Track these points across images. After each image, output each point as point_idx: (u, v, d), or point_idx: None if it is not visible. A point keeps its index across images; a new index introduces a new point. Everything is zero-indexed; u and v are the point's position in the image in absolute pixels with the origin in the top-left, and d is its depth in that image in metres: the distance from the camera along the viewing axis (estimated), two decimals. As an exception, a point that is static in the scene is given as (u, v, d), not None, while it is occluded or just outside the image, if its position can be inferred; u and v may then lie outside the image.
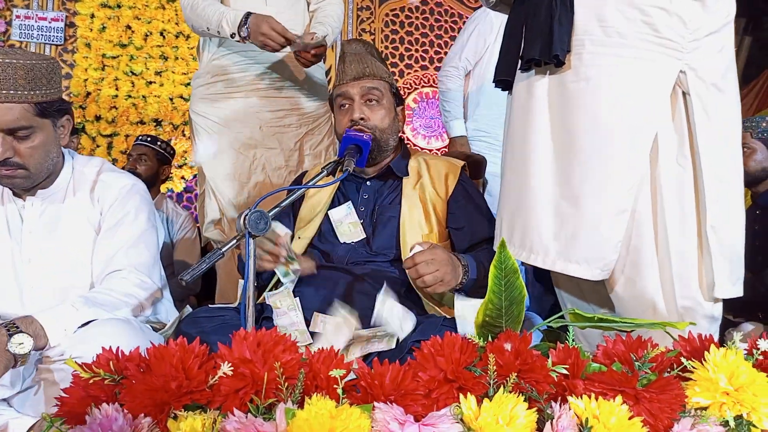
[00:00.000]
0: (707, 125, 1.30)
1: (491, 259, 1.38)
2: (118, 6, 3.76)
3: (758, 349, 0.84)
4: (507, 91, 1.54)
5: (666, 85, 1.32)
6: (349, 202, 1.57)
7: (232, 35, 1.97)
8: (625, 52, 1.33)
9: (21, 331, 1.08)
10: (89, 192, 1.46)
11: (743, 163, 1.81)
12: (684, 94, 1.35)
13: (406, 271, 1.31)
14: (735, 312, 2.07)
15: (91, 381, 0.73)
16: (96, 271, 1.41)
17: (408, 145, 1.78)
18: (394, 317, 1.27)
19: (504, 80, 1.51)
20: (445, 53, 4.27)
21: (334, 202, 1.60)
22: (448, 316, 1.43)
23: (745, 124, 2.23)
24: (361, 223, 1.54)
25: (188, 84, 3.73)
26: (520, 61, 1.45)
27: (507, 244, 0.86)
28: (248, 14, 1.96)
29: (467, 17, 4.31)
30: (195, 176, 3.65)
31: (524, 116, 1.44)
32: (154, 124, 3.79)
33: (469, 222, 1.54)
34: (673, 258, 1.29)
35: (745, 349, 0.86)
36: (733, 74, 1.39)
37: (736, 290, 1.33)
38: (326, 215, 1.58)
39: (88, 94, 3.70)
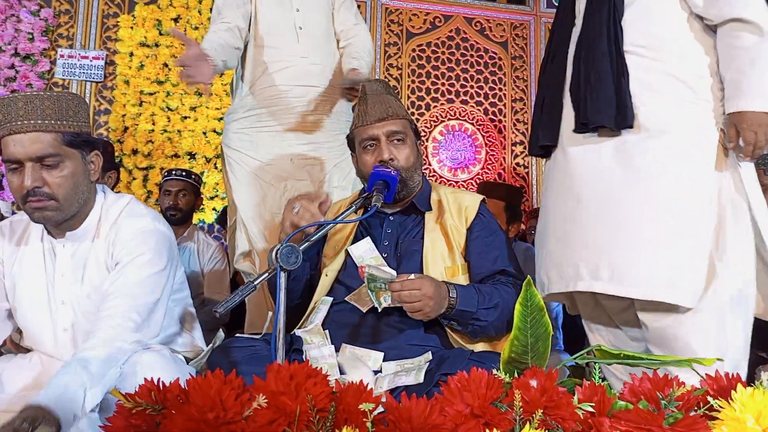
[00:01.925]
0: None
1: (499, 291, 1.45)
2: (156, 45, 3.93)
3: (787, 388, 0.84)
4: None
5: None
6: (368, 237, 1.60)
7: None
8: (672, 115, 1.52)
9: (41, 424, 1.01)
10: (108, 237, 1.44)
11: None
12: None
13: (391, 293, 1.35)
14: (766, 348, 2.04)
15: (133, 411, 0.77)
16: (101, 312, 1.34)
17: (432, 178, 1.82)
18: None
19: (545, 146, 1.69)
20: (471, 86, 4.33)
21: (357, 237, 1.63)
22: (475, 350, 1.45)
23: (760, 160, 2.23)
24: (385, 257, 1.57)
25: (221, 119, 3.84)
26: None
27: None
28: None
29: (492, 51, 4.39)
30: (225, 207, 3.73)
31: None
32: (188, 157, 3.91)
33: (484, 254, 1.57)
34: None
35: (774, 389, 0.86)
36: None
37: None
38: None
39: (126, 128, 3.84)
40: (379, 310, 1.41)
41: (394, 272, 1.42)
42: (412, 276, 1.38)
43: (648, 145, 1.52)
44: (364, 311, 1.48)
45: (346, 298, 1.50)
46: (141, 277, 1.40)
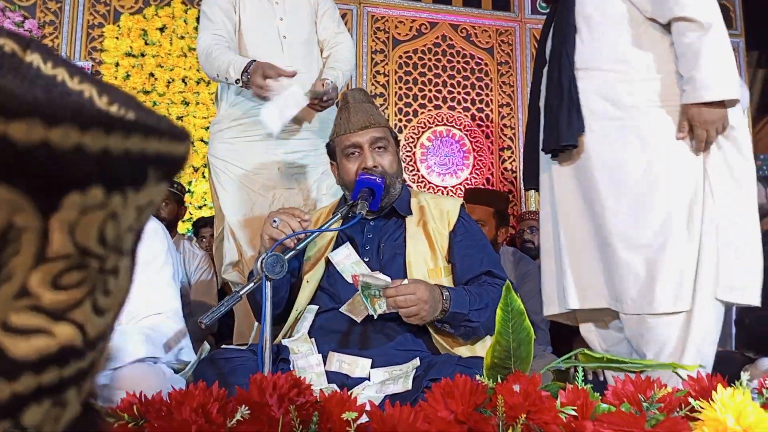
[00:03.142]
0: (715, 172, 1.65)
1: (487, 292, 1.47)
2: (142, 55, 3.92)
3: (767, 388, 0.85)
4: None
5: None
6: (348, 243, 1.61)
7: (237, 81, 2.05)
8: (642, 120, 1.62)
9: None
10: None
11: None
12: None
13: (386, 299, 1.35)
14: (754, 348, 2.06)
15: (115, 425, 0.76)
16: (133, 309, 1.38)
17: (421, 184, 1.84)
18: None
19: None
20: (458, 92, 4.36)
21: (338, 243, 1.63)
22: (463, 356, 1.45)
23: None
24: (367, 262, 1.57)
25: (208, 128, 3.83)
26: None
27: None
28: (252, 62, 2.03)
29: (478, 57, 4.41)
30: (201, 218, 3.71)
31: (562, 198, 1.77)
32: (175, 166, 3.90)
33: (468, 256, 1.58)
34: None
35: (755, 388, 0.87)
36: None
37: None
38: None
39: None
40: (375, 318, 1.41)
41: (388, 279, 1.42)
42: (406, 281, 1.38)
43: (608, 159, 1.63)
44: (359, 321, 1.48)
45: (340, 309, 1.49)
46: (167, 278, 1.46)
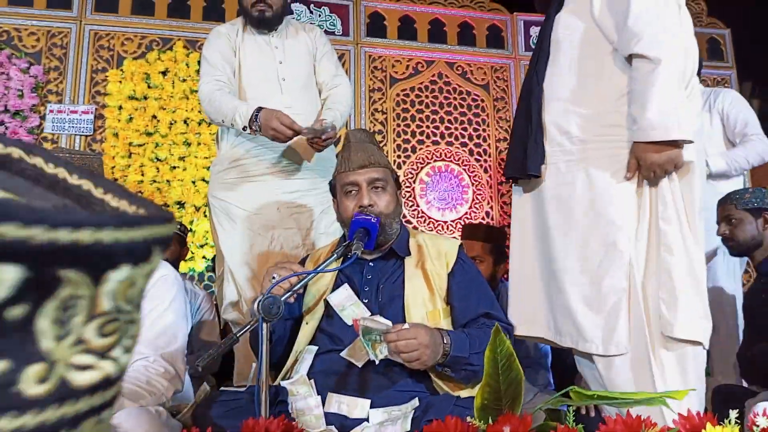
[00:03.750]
0: (663, 208, 1.52)
1: (487, 334, 1.47)
2: (145, 98, 4.00)
3: (757, 425, 0.85)
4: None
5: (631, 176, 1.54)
6: (346, 284, 1.62)
7: (244, 128, 2.10)
8: (592, 155, 1.57)
9: None
10: None
11: (733, 235, 2.10)
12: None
13: (387, 344, 1.36)
14: (759, 382, 2.04)
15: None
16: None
17: (421, 219, 1.86)
18: None
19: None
20: (455, 128, 4.42)
21: (338, 284, 1.64)
22: (462, 396, 1.45)
23: (729, 197, 2.30)
24: (366, 303, 1.58)
25: (209, 167, 3.88)
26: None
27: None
28: (259, 109, 2.08)
29: (475, 94, 4.49)
30: (215, 256, 3.73)
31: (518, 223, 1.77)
32: (178, 206, 3.94)
33: (467, 298, 1.59)
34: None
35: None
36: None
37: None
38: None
39: (116, 180, 3.88)
40: (377, 363, 1.41)
41: (389, 322, 1.42)
42: (406, 325, 1.39)
43: (559, 192, 1.61)
44: (360, 366, 1.47)
45: (341, 354, 1.49)
46: (168, 322, 1.47)
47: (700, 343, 1.48)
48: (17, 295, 0.24)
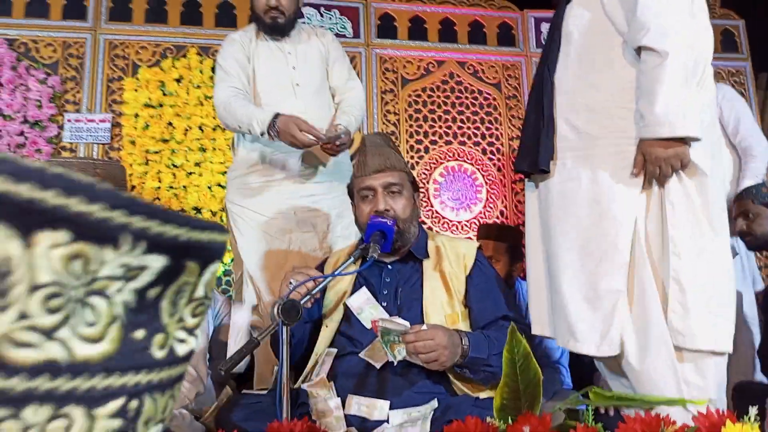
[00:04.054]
0: (671, 211, 1.45)
1: (506, 335, 1.47)
2: (160, 105, 4.05)
3: (777, 422, 0.85)
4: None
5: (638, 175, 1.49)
6: (365, 288, 1.63)
7: (262, 134, 2.12)
8: (598, 151, 1.52)
9: None
10: None
11: (751, 229, 2.05)
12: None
13: (406, 345, 1.36)
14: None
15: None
16: None
17: (435, 219, 1.87)
18: None
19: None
20: (468, 128, 4.42)
21: (357, 287, 1.66)
22: (481, 397, 1.46)
23: (746, 192, 2.28)
24: (384, 306, 1.59)
25: (225, 173, 3.92)
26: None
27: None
28: (277, 115, 2.10)
29: (486, 93, 4.49)
30: (233, 260, 3.77)
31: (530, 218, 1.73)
32: (195, 212, 3.99)
33: (485, 300, 1.60)
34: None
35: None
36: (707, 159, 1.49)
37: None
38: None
39: (133, 187, 3.94)
40: (395, 364, 1.42)
41: (407, 323, 1.43)
42: (425, 326, 1.40)
43: (564, 188, 1.57)
44: (378, 367, 1.49)
45: (360, 355, 1.51)
46: None
47: (718, 353, 1.42)
48: (156, 280, 0.31)
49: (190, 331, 0.35)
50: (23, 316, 0.26)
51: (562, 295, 1.52)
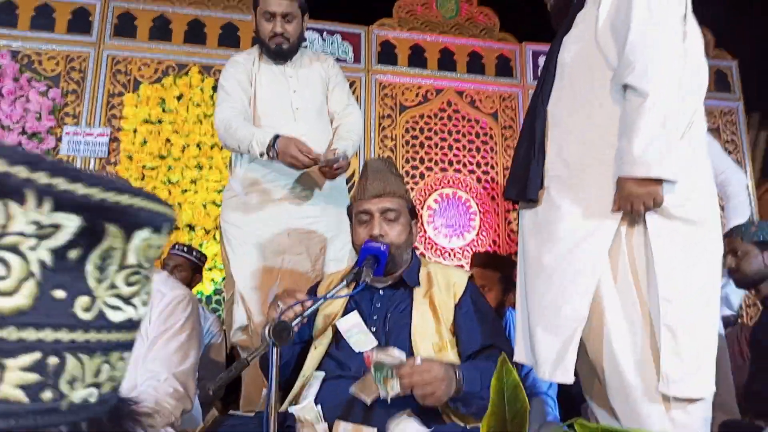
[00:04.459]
0: (659, 252, 1.43)
1: (492, 368, 1.47)
2: (159, 122, 4.08)
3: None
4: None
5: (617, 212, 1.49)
6: (356, 311, 1.63)
7: (261, 155, 2.14)
8: (582, 182, 1.53)
9: None
10: None
11: (739, 267, 2.06)
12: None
13: (401, 380, 1.34)
14: (765, 417, 2.03)
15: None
16: (140, 378, 1.48)
17: (428, 245, 1.88)
18: None
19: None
20: (463, 155, 4.47)
21: (348, 310, 1.66)
22: (468, 426, 1.46)
23: (735, 230, 2.31)
24: (373, 332, 1.60)
25: (221, 191, 3.93)
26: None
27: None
28: (276, 136, 2.12)
29: (483, 122, 4.55)
30: (224, 278, 3.76)
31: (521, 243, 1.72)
32: (188, 229, 3.99)
33: (473, 329, 1.60)
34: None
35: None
36: (692, 201, 1.48)
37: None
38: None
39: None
40: (388, 402, 1.38)
41: (402, 355, 1.40)
42: (419, 359, 1.39)
43: (547, 217, 1.58)
44: (369, 403, 1.44)
45: (350, 391, 1.46)
46: (180, 343, 1.54)
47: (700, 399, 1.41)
48: (74, 240, 0.33)
49: (127, 300, 0.36)
50: None
51: (530, 318, 1.54)
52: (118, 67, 4.14)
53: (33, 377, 0.30)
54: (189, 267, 3.06)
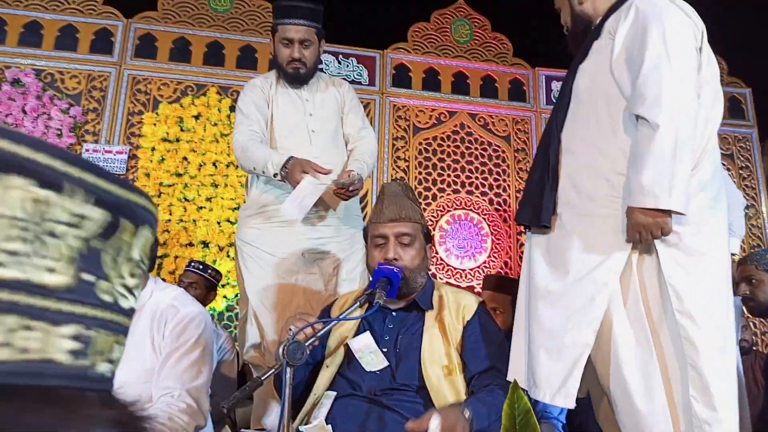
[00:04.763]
0: (678, 303, 1.44)
1: (495, 397, 1.47)
2: (177, 140, 4.16)
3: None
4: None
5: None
6: (367, 332, 1.65)
7: (275, 175, 2.19)
8: (594, 211, 1.55)
9: None
10: (154, 317, 1.60)
11: (755, 295, 2.06)
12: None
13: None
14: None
15: None
16: (155, 394, 1.51)
17: (440, 266, 1.90)
18: None
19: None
20: (476, 177, 4.50)
21: (360, 331, 1.69)
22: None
23: (750, 257, 2.31)
24: (385, 353, 1.62)
25: (235, 209, 3.99)
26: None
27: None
28: (290, 158, 2.17)
29: (496, 145, 4.58)
30: (237, 295, 3.79)
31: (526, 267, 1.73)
32: (202, 245, 4.04)
33: (477, 350, 1.61)
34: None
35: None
36: (699, 229, 1.49)
37: None
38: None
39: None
40: None
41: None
42: (435, 422, 1.37)
43: (560, 245, 1.58)
44: None
45: None
46: (194, 359, 1.55)
47: None
48: (99, 232, 0.37)
49: (130, 291, 0.40)
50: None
51: (532, 341, 1.54)
52: (138, 86, 4.23)
53: (74, 345, 0.35)
54: (203, 285, 3.09)
